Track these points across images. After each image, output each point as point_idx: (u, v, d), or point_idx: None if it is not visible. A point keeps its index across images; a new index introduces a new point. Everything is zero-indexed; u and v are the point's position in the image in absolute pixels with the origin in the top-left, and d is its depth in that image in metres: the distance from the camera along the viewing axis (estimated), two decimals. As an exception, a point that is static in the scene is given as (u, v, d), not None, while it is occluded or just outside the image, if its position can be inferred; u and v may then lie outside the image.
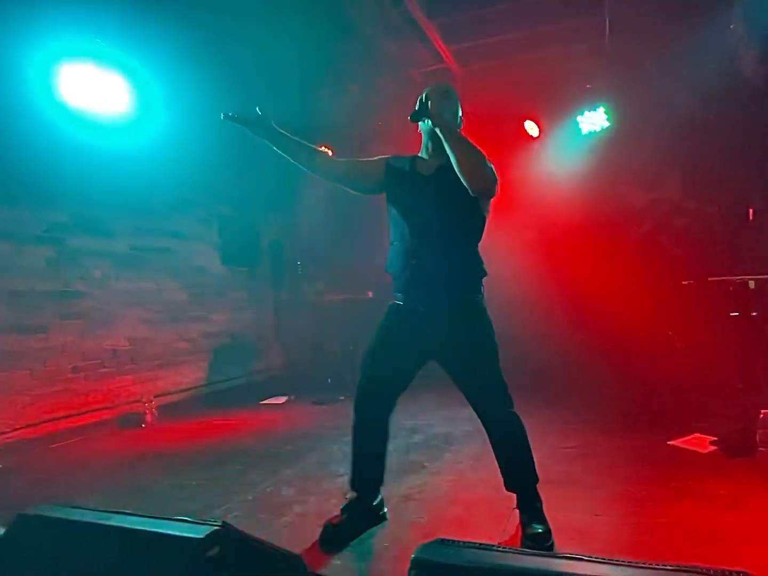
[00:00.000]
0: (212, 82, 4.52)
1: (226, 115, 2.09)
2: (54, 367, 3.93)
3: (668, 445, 3.06)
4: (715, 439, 2.99)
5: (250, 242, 6.14)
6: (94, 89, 3.93)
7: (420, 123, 2.11)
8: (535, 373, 5.09)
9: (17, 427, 3.64)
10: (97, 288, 4.29)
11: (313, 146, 2.23)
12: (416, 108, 2.02)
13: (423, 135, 2.19)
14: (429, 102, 1.98)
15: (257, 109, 2.11)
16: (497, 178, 2.05)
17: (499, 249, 6.26)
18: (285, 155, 2.18)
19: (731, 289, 3.52)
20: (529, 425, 2.13)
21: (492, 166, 2.05)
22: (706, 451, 2.92)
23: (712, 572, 1.15)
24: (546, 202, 5.57)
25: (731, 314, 3.56)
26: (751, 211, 4.60)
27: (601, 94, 5.16)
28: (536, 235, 5.73)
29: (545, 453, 2.92)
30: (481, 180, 1.96)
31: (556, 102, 5.26)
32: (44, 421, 3.82)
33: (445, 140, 1.96)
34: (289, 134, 2.17)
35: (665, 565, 1.18)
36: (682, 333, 3.60)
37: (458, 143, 1.96)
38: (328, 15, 3.93)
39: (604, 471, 2.73)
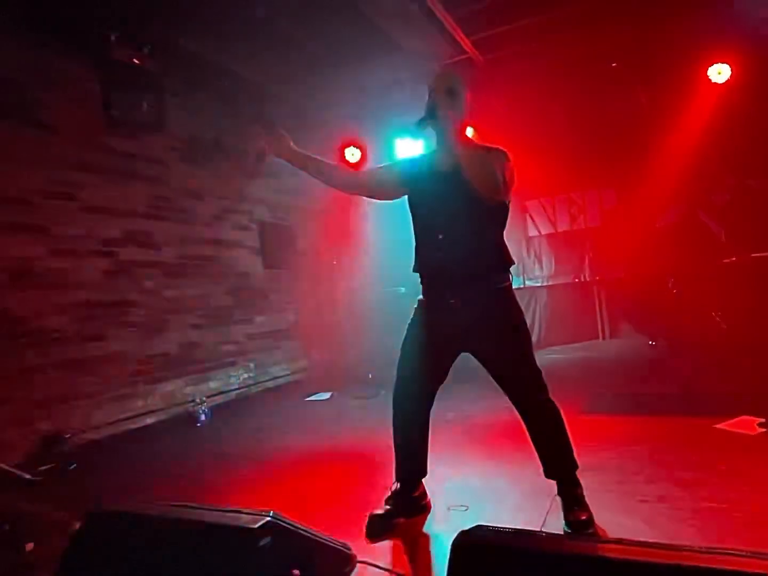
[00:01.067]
0: (242, 89, 4.68)
1: (259, 157, 2.21)
2: (115, 373, 4.21)
3: (715, 428, 2.98)
4: (764, 420, 2.90)
5: (289, 245, 6.32)
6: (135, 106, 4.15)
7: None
8: (576, 359, 5.03)
9: (85, 429, 3.93)
10: (148, 297, 4.55)
11: (331, 162, 2.31)
12: (425, 111, 2.03)
13: (435, 131, 2.17)
14: (435, 108, 2.00)
15: (281, 130, 2.23)
16: (506, 181, 2.02)
17: (531, 231, 6.20)
18: (305, 172, 2.26)
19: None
20: (567, 411, 2.13)
21: (504, 163, 2.03)
22: (755, 433, 2.83)
23: (764, 556, 1.15)
24: (579, 185, 5.48)
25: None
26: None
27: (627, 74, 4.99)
28: (570, 219, 5.64)
29: (585, 439, 2.89)
30: (489, 190, 1.97)
31: (582, 83, 5.13)
32: (109, 423, 4.10)
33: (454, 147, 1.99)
34: (306, 152, 2.25)
35: (717, 549, 1.19)
36: (726, 313, 3.47)
37: (466, 152, 1.98)
38: (347, 13, 3.97)
39: (648, 456, 2.69)
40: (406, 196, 2.25)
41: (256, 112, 4.96)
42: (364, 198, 2.50)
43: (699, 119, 4.89)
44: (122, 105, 4.06)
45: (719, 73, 4.81)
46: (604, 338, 6.19)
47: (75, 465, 3.38)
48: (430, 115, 2.01)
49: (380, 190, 2.33)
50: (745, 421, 2.98)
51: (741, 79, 4.62)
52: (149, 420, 4.41)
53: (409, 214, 2.24)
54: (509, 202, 2.16)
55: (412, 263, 2.23)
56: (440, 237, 2.10)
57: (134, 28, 3.75)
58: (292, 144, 2.23)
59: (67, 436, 3.64)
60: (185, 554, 1.73)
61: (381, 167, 2.32)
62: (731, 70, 4.77)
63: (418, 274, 2.23)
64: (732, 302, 3.47)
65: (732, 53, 4.62)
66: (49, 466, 3.30)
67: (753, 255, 3.41)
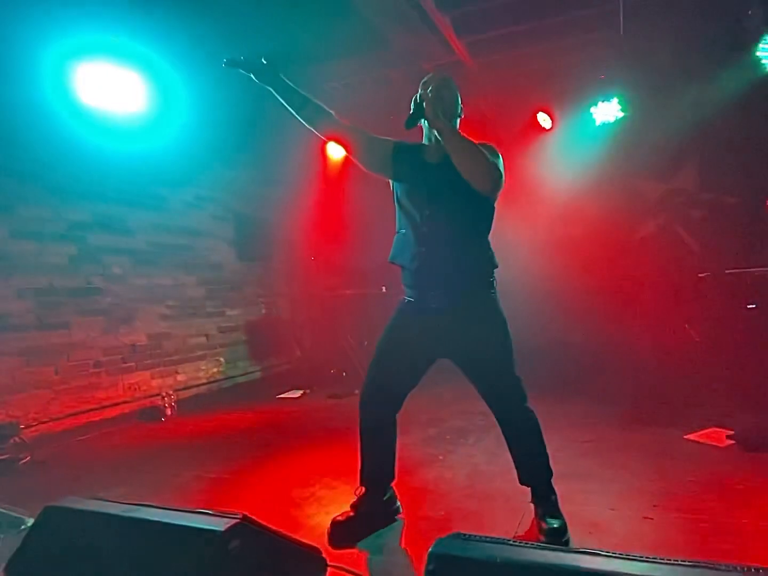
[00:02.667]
0: (227, 77, 4.55)
1: (228, 61, 2.02)
2: (76, 362, 4.03)
3: (685, 439, 3.04)
4: (733, 433, 2.96)
5: (265, 238, 6.21)
6: (112, 87, 4.00)
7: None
8: (550, 368, 5.09)
9: (43, 420, 3.75)
10: (116, 284, 4.38)
11: (321, 104, 2.11)
12: (411, 111, 1.96)
13: (423, 126, 2.12)
14: (424, 103, 1.91)
15: (262, 59, 2.04)
16: (502, 173, 1.98)
17: (512, 242, 6.29)
18: (290, 108, 2.08)
19: (749, 281, 3.47)
20: (545, 419, 2.13)
21: (497, 160, 1.99)
22: (723, 445, 2.89)
23: (729, 568, 1.16)
24: (559, 194, 5.53)
25: (749, 306, 3.51)
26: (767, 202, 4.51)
27: (615, 85, 5.09)
28: (549, 227, 5.70)
29: (560, 447, 2.92)
30: (483, 180, 1.90)
31: (569, 93, 5.21)
32: (68, 415, 3.92)
33: (444, 142, 1.91)
34: (295, 87, 2.08)
35: (682, 561, 1.19)
36: (698, 326, 3.55)
37: (456, 145, 1.90)
38: (340, 8, 3.92)
39: (620, 465, 2.72)
40: (392, 182, 2.18)
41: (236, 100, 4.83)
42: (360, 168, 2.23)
43: (679, 135, 5.01)
44: (100, 84, 3.88)
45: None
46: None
47: (29, 458, 3.22)
48: (418, 113, 1.93)
49: (368, 155, 2.16)
50: (714, 433, 3.05)
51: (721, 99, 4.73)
52: (112, 413, 4.24)
53: (395, 202, 2.17)
54: (495, 201, 2.11)
55: (391, 251, 2.15)
56: (424, 230, 2.04)
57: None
58: (279, 73, 2.06)
59: (21, 426, 3.46)
60: (149, 555, 1.66)
61: (377, 136, 2.19)
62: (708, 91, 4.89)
63: (397, 266, 2.15)
64: (704, 315, 3.56)
65: (714, 73, 4.73)
66: (1, 458, 3.13)
67: (727, 271, 3.50)
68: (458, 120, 2.17)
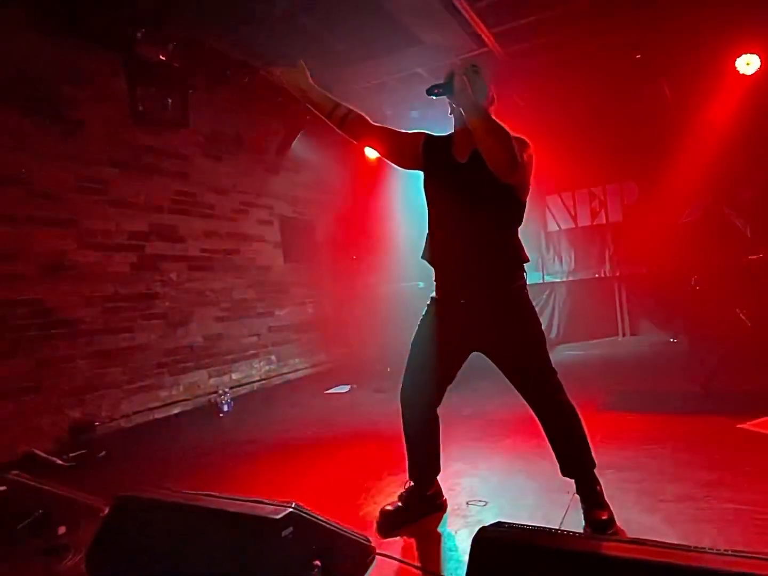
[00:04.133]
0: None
1: (266, 69, 2.08)
2: (141, 363, 4.33)
3: (738, 428, 2.93)
4: (790, 421, 2.84)
5: (309, 240, 6.39)
6: (159, 103, 4.24)
7: (450, 106, 2.03)
8: (597, 358, 4.98)
9: (114, 417, 4.07)
10: (173, 289, 4.66)
11: (351, 107, 2.10)
12: (441, 82, 1.90)
13: (454, 118, 2.09)
14: (453, 78, 1.86)
15: (300, 62, 2.07)
16: (528, 158, 1.94)
17: (552, 225, 6.15)
18: (316, 110, 2.10)
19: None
20: (586, 409, 2.11)
21: (522, 147, 1.94)
22: (779, 434, 2.78)
23: None
24: (601, 179, 5.38)
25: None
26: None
27: (653, 65, 4.87)
28: (591, 213, 5.55)
29: (604, 438, 2.88)
30: (502, 163, 1.84)
31: (605, 75, 5.02)
32: (136, 412, 4.23)
33: (467, 118, 1.84)
34: (324, 92, 2.09)
35: (738, 552, 1.18)
36: (750, 311, 3.39)
37: (480, 121, 1.82)
38: (366, 7, 3.96)
39: (669, 456, 2.66)
40: (422, 180, 2.17)
41: (276, 107, 5.00)
42: (393, 166, 2.27)
43: (725, 112, 4.75)
44: (148, 102, 4.13)
45: (748, 63, 4.64)
46: (624, 335, 6.09)
47: (104, 453, 3.50)
48: (448, 88, 1.87)
49: (397, 154, 2.16)
50: (769, 422, 2.93)
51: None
52: (174, 410, 4.53)
53: (424, 199, 2.17)
54: (526, 199, 2.09)
55: (422, 249, 2.17)
56: (455, 230, 2.06)
57: (159, 25, 3.81)
58: (308, 77, 2.07)
59: (96, 424, 3.76)
60: (209, 542, 1.78)
61: (405, 132, 2.16)
62: (761, 61, 4.62)
63: (428, 264, 2.18)
64: (757, 300, 3.39)
65: (761, 43, 4.46)
66: (79, 453, 3.42)
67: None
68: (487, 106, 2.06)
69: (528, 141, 2.04)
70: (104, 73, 4.09)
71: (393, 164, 2.22)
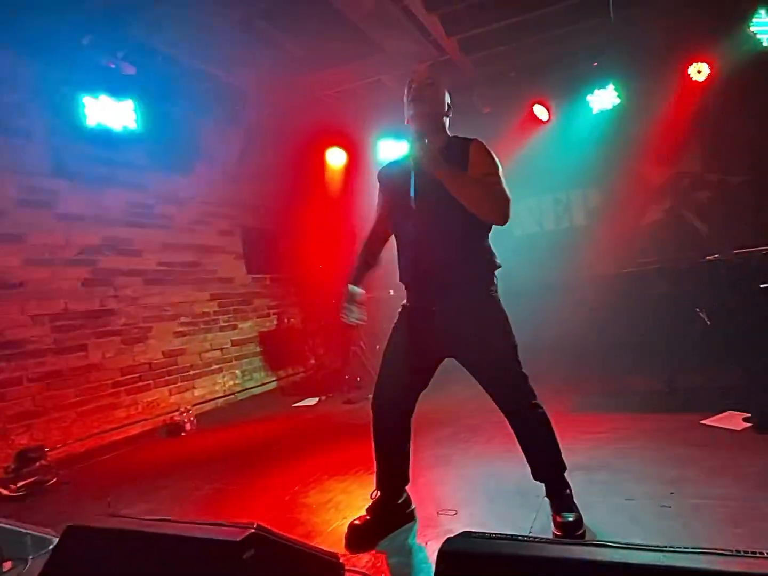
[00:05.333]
0: (224, 94, 4.64)
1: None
2: (95, 383, 4.13)
3: (701, 424, 3.00)
4: (749, 416, 2.92)
5: (273, 250, 6.28)
6: (112, 113, 4.09)
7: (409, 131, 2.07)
8: (561, 361, 5.05)
9: (66, 442, 3.85)
10: (129, 305, 4.47)
11: (363, 260, 2.30)
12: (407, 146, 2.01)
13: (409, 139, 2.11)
14: (418, 143, 1.94)
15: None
16: (509, 199, 1.95)
17: (518, 236, 6.27)
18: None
19: (758, 261, 3.41)
20: (557, 411, 2.12)
21: (503, 183, 1.96)
22: (740, 428, 2.85)
23: (749, 554, 1.15)
24: (562, 185, 5.50)
25: (761, 286, 3.45)
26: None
27: (609, 71, 5.05)
28: (554, 219, 5.66)
29: (573, 438, 2.90)
30: (493, 215, 1.94)
31: (564, 83, 5.18)
32: (91, 436, 4.02)
33: (451, 190, 1.91)
34: (356, 278, 2.25)
35: (700, 549, 1.17)
36: (709, 309, 3.51)
37: (461, 189, 1.91)
38: (326, 14, 3.95)
39: (635, 454, 2.70)
40: (387, 207, 2.22)
41: (235, 114, 4.91)
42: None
43: (680, 116, 4.95)
44: (100, 110, 3.98)
45: (699, 71, 4.86)
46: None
47: (55, 480, 3.30)
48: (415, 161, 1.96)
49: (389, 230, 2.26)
50: (730, 417, 3.01)
51: (721, 76, 4.67)
52: (133, 431, 4.32)
53: (392, 226, 2.20)
54: None
55: (398, 273, 2.19)
56: (420, 240, 2.06)
57: (109, 32, 3.69)
58: (360, 292, 2.23)
59: (46, 449, 3.54)
60: (166, 569, 1.69)
61: (377, 206, 2.29)
62: (710, 68, 4.83)
63: (403, 283, 2.20)
64: (715, 299, 3.51)
65: (711, 51, 4.67)
66: (27, 481, 3.21)
67: (734, 251, 3.44)
68: (447, 119, 2.14)
69: (483, 142, 2.05)
70: (51, 80, 3.91)
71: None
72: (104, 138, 4.10)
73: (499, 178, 1.98)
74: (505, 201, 1.93)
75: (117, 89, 4.01)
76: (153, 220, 4.76)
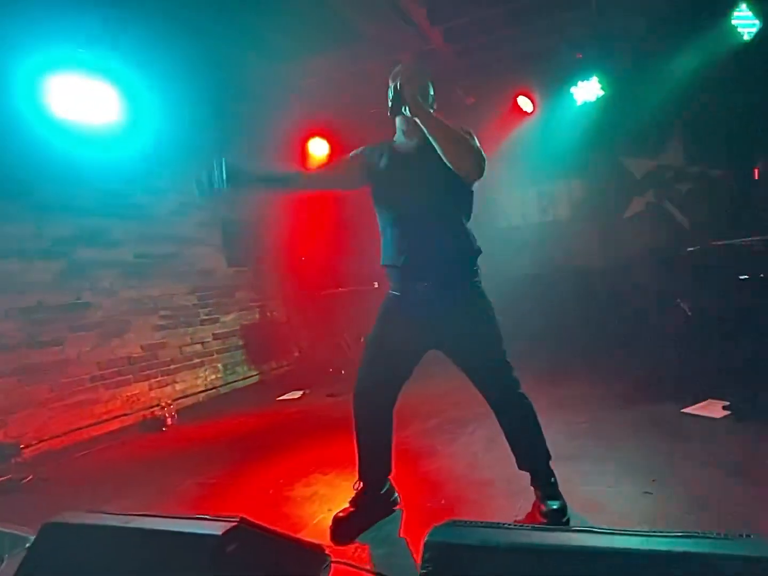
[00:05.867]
0: (202, 83, 4.54)
1: (200, 190, 1.98)
2: (72, 378, 4.02)
3: (681, 413, 3.05)
4: (729, 404, 2.97)
5: (254, 242, 6.19)
6: (85, 99, 3.96)
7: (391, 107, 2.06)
8: (545, 352, 5.10)
9: (43, 438, 3.75)
10: (106, 298, 4.36)
11: (288, 171, 2.23)
12: (391, 100, 1.98)
13: (396, 119, 2.13)
14: (403, 91, 1.92)
15: (218, 163, 1.96)
16: (485, 157, 1.97)
17: (503, 228, 6.30)
18: (268, 192, 2.16)
19: (739, 252, 3.48)
20: (540, 402, 2.13)
21: (478, 144, 1.98)
22: (719, 416, 2.91)
23: (725, 536, 1.17)
24: (546, 177, 5.53)
25: (740, 278, 3.52)
26: (756, 171, 4.51)
27: (593, 63, 5.07)
28: (538, 211, 5.69)
29: (557, 429, 2.93)
30: (470, 167, 1.92)
31: (548, 75, 5.18)
32: (68, 432, 3.92)
33: (426, 129, 1.92)
34: (259, 171, 2.10)
35: (680, 532, 1.20)
36: (690, 300, 3.57)
37: (439, 130, 1.90)
38: (310, 2, 3.89)
39: (617, 443, 2.73)
40: (371, 188, 2.19)
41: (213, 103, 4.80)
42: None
43: (663, 109, 4.99)
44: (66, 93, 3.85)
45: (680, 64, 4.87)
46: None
47: (31, 477, 3.21)
48: (397, 101, 1.94)
49: (344, 181, 2.27)
50: (710, 405, 3.06)
51: (703, 69, 4.69)
52: (112, 426, 4.23)
53: (373, 203, 2.18)
54: (472, 186, 2.10)
55: (381, 255, 2.16)
56: (403, 225, 2.05)
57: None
58: (243, 169, 2.03)
59: (21, 447, 3.45)
60: (148, 565, 1.66)
61: (343, 158, 2.24)
62: (692, 61, 4.84)
63: (385, 266, 2.16)
64: (696, 290, 3.56)
65: (694, 43, 4.69)
66: (2, 479, 3.12)
67: (712, 242, 3.50)
68: (431, 110, 2.12)
69: (473, 132, 2.05)
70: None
71: (349, 190, 2.29)
72: (78, 125, 3.98)
73: (476, 141, 1.98)
74: (481, 156, 1.94)
75: (92, 69, 3.89)
76: (129, 211, 4.63)
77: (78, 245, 4.19)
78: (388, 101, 2.01)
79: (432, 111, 2.11)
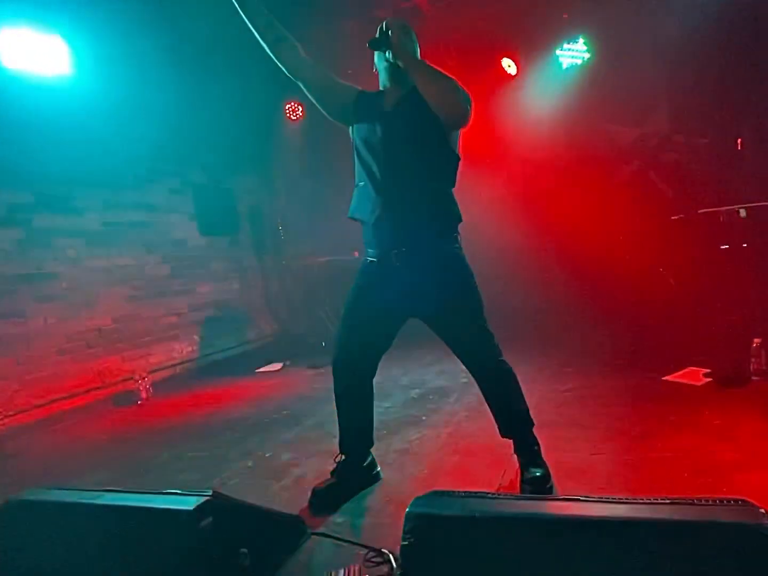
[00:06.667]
0: (170, 42, 4.27)
1: None
2: (39, 351, 3.85)
3: (663, 380, 3.06)
4: (709, 371, 2.99)
5: (228, 209, 5.97)
6: (38, 53, 3.69)
7: (376, 59, 1.99)
8: (527, 318, 5.10)
9: (9, 413, 3.60)
10: (71, 267, 4.16)
11: (288, 34, 1.97)
12: (376, 36, 1.88)
13: (380, 72, 2.04)
14: (390, 32, 1.85)
15: None
16: (471, 101, 1.88)
17: (484, 197, 6.20)
18: (248, 21, 1.91)
19: (721, 219, 3.46)
20: (524, 370, 2.10)
21: (465, 90, 1.88)
22: (700, 383, 2.93)
23: (710, 502, 1.15)
24: (528, 142, 5.40)
25: (722, 247, 3.52)
26: (739, 141, 4.47)
27: (580, 25, 4.92)
28: (520, 176, 5.60)
29: (541, 396, 2.93)
30: (452, 105, 1.82)
31: (533, 36, 5.01)
32: (36, 406, 3.77)
33: (408, 69, 1.85)
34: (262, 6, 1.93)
35: (663, 499, 1.19)
36: (673, 269, 3.56)
37: (423, 70, 1.84)
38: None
39: (600, 410, 2.74)
40: (351, 133, 2.09)
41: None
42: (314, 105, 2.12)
43: (649, 75, 4.89)
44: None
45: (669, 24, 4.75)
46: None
47: (-5, 452, 3.08)
48: (384, 42, 1.86)
49: (328, 96, 2.05)
50: (691, 372, 3.08)
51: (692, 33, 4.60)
52: (84, 400, 4.09)
53: (353, 153, 2.07)
54: (458, 151, 2.02)
55: (349, 207, 2.07)
56: (383, 181, 1.95)
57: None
58: None
59: (-15, 421, 3.30)
60: (118, 542, 1.59)
61: (341, 81, 2.09)
62: (681, 24, 4.74)
63: (356, 219, 2.06)
64: (679, 259, 3.56)
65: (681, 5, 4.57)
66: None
67: (700, 211, 3.48)
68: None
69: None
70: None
71: (321, 108, 2.09)
72: (32, 81, 3.70)
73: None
74: (466, 97, 1.86)
75: (45, 24, 3.61)
76: (93, 177, 4.37)
77: (39, 212, 3.95)
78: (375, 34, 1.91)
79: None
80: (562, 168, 5.15)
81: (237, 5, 1.90)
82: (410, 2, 4.44)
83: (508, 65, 5.28)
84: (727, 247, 3.58)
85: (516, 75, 5.36)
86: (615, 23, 4.74)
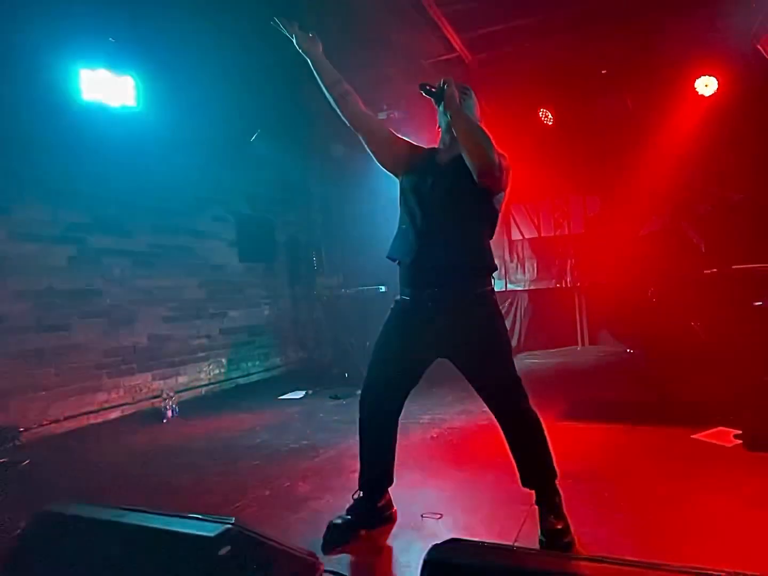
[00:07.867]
0: (224, 82, 4.54)
1: (276, 22, 2.10)
2: (77, 364, 4.02)
3: (692, 439, 2.96)
4: (740, 432, 2.89)
5: (266, 239, 6.18)
6: (109, 90, 4.00)
7: (439, 118, 2.12)
8: (556, 368, 5.03)
9: (43, 423, 3.74)
10: (116, 286, 4.37)
11: (351, 89, 2.13)
12: (434, 87, 2.00)
13: (441, 131, 2.17)
14: (446, 86, 1.96)
15: (309, 33, 2.11)
16: (507, 166, 1.98)
17: (517, 241, 6.24)
18: (320, 77, 2.10)
19: (756, 278, 3.39)
20: (548, 418, 2.08)
21: (501, 156, 1.98)
22: (730, 444, 2.82)
23: (735, 575, 1.11)
24: (564, 190, 5.47)
25: (755, 304, 3.43)
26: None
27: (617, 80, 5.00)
28: (552, 225, 5.62)
29: (566, 448, 2.85)
30: (483, 160, 1.90)
31: (571, 89, 5.12)
32: (68, 418, 3.92)
33: (453, 120, 1.96)
34: (329, 63, 2.12)
35: (689, 568, 1.16)
36: (705, 324, 3.48)
37: (465, 125, 1.95)
38: (335, 4, 3.88)
39: (626, 466, 2.66)
40: (400, 183, 2.19)
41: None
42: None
43: (685, 130, 4.92)
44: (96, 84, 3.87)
45: (706, 85, 4.85)
46: (582, 345, 6.21)
47: (28, 462, 3.19)
48: (439, 94, 1.98)
49: (382, 147, 2.17)
50: (721, 433, 2.97)
51: (728, 92, 4.65)
52: (113, 415, 4.22)
53: (399, 198, 2.18)
54: (500, 209, 2.12)
55: (390, 247, 2.16)
56: (423, 226, 2.04)
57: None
58: (320, 47, 2.12)
59: (21, 430, 3.44)
60: (138, 562, 1.62)
61: (394, 132, 2.23)
62: (718, 83, 4.81)
63: (394, 261, 2.14)
64: (711, 313, 3.48)
65: (720, 66, 4.66)
66: None
67: (734, 267, 3.42)
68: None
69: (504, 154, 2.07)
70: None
71: (375, 158, 2.22)
72: (99, 114, 4.00)
73: (501, 159, 1.99)
74: (504, 169, 1.97)
75: (117, 63, 3.93)
76: (145, 201, 4.63)
77: (92, 232, 4.19)
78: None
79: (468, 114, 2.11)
80: (594, 216, 5.16)
81: (311, 63, 2.09)
82: (454, 53, 4.61)
83: (546, 116, 5.39)
84: (760, 304, 3.50)
85: (552, 124, 5.45)
86: (653, 79, 4.79)
